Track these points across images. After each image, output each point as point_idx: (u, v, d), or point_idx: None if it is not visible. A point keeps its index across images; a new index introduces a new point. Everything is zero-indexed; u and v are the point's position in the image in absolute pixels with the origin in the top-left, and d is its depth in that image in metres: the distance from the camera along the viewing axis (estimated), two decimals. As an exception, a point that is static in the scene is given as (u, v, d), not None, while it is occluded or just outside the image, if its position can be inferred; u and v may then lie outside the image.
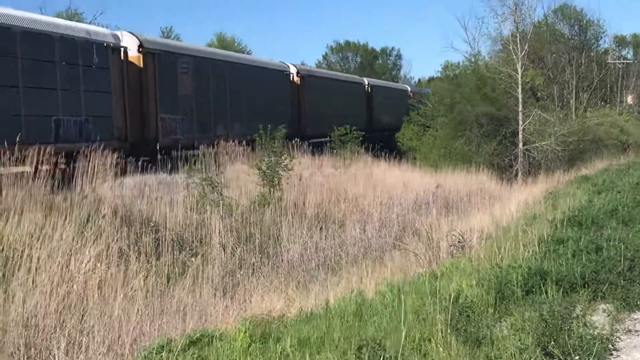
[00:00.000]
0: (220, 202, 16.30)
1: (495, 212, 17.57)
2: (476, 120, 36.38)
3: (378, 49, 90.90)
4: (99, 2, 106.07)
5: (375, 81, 54.96)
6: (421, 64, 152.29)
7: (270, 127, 24.86)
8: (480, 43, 49.19)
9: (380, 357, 5.79)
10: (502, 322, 7.17)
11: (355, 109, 45.25)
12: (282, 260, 14.39)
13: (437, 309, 6.99)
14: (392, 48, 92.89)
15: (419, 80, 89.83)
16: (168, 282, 11.65)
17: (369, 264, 13.12)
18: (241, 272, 12.98)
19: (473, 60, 42.19)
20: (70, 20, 31.13)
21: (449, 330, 6.58)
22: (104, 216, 12.84)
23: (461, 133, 36.82)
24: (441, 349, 6.28)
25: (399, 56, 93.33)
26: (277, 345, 7.05)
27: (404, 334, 6.47)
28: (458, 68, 45.41)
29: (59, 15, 36.59)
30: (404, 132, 46.36)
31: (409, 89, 60.19)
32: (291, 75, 37.81)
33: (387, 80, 68.79)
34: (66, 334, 8.57)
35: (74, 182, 15.27)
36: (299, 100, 38.14)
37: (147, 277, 11.20)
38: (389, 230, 17.24)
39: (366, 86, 49.69)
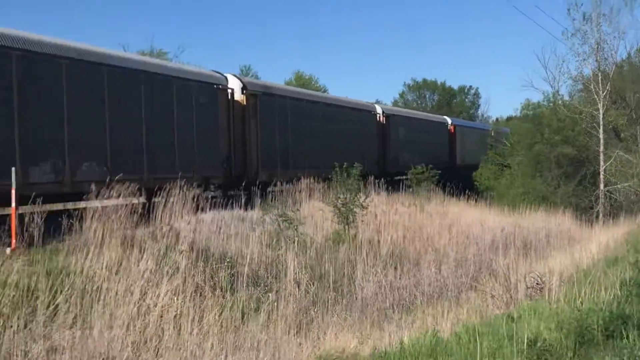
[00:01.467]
0: (296, 238, 16.35)
1: (575, 253, 17.22)
2: (556, 161, 35.89)
3: (456, 87, 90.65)
4: (181, 39, 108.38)
5: (394, 109, 46.25)
6: (500, 103, 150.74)
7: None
8: (561, 82, 48.10)
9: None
10: (582, 368, 6.98)
11: (358, 145, 34.15)
12: (356, 298, 14.32)
13: (514, 352, 6.85)
14: (470, 86, 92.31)
15: (497, 119, 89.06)
16: (242, 317, 11.70)
17: (444, 304, 12.97)
18: (315, 310, 12.96)
19: (552, 99, 41.69)
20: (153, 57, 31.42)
21: (526, 374, 6.43)
22: (181, 252, 12.97)
23: (540, 173, 36.37)
24: (518, 394, 6.15)
25: (477, 94, 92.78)
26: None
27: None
28: (538, 107, 44.53)
29: (142, 54, 37.32)
30: (481, 172, 45.92)
31: (450, 121, 51.32)
32: (229, 92, 24.76)
33: (463, 119, 67.85)
34: (142, 367, 8.67)
35: (153, 216, 15.48)
36: (243, 130, 25.49)
37: (222, 312, 11.28)
38: (465, 270, 17.02)
39: (379, 115, 38.62)
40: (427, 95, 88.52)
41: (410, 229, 21.22)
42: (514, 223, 24.83)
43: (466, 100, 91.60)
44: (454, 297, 14.32)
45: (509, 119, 75.52)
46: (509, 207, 32.27)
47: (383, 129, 38.53)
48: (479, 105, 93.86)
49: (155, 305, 10.95)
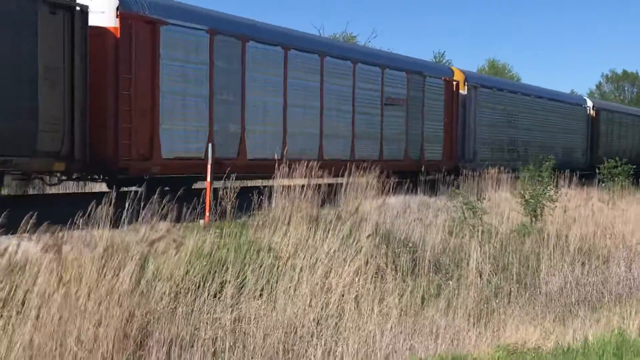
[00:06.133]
0: (480, 227, 16.14)
1: None
2: None
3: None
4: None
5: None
6: None
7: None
8: None
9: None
10: None
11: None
12: (540, 292, 14.03)
13: None
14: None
15: None
16: (422, 303, 11.73)
17: (632, 304, 12.50)
18: (496, 301, 12.80)
19: None
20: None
21: None
22: (368, 236, 13.07)
23: None
24: None
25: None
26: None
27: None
28: None
29: (334, 37, 37.97)
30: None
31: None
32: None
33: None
34: (322, 343, 8.89)
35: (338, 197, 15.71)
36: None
37: (402, 296, 11.36)
38: (658, 270, 16.29)
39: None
40: (626, 88, 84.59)
41: (601, 225, 20.43)
42: None
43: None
44: (644, 298, 13.76)
45: None
46: None
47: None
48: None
49: (337, 285, 11.18)
